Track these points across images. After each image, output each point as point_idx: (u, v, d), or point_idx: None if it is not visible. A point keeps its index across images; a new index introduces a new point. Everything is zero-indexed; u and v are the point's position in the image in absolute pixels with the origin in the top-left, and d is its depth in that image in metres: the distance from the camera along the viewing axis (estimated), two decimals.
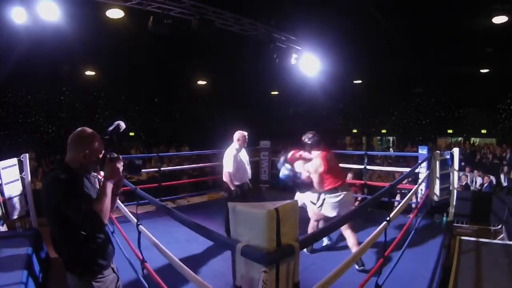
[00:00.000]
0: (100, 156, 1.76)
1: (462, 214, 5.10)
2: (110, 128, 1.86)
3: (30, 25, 4.69)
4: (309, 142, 3.55)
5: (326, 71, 8.61)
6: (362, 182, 5.80)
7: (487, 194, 6.44)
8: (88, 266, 1.72)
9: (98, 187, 1.85)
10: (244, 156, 4.31)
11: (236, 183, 4.16)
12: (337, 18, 7.77)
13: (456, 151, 4.93)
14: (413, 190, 3.95)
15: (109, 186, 1.70)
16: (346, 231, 3.36)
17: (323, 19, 7.58)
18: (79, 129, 1.76)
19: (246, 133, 4.27)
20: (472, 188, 8.23)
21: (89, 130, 1.76)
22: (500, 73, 12.59)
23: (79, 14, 5.62)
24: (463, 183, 7.99)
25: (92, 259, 1.72)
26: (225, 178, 4.16)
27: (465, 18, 7.94)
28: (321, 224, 3.63)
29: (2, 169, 4.14)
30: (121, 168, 1.76)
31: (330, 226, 1.89)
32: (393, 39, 9.32)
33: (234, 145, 4.22)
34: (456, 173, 4.92)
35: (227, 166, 4.13)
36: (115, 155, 1.77)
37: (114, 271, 1.86)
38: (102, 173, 1.81)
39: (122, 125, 1.91)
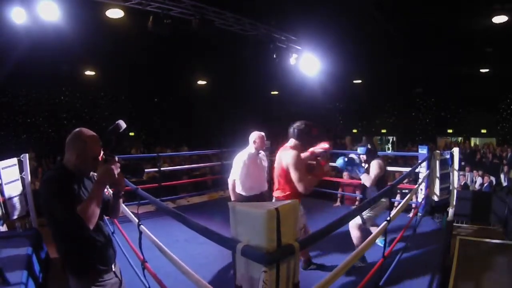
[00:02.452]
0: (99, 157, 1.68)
1: (462, 214, 5.10)
2: (109, 128, 1.76)
3: (30, 25, 4.69)
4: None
5: (326, 71, 8.61)
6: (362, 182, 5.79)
7: (487, 194, 6.44)
8: (86, 269, 1.67)
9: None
10: (262, 161, 3.71)
11: (254, 192, 3.58)
12: (337, 18, 7.77)
13: (456, 151, 4.92)
14: (413, 190, 3.96)
15: (99, 189, 1.60)
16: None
17: (323, 19, 7.58)
18: (76, 129, 1.69)
19: (263, 134, 3.68)
20: (471, 187, 8.23)
21: (86, 131, 1.68)
22: (500, 73, 12.58)
23: (79, 14, 5.62)
24: (462, 183, 7.99)
25: (90, 263, 1.67)
26: (229, 186, 3.64)
27: (465, 18, 7.95)
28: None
29: (2, 169, 4.14)
30: (116, 171, 1.66)
31: (332, 225, 1.89)
32: (393, 39, 9.31)
33: (249, 148, 3.61)
34: (456, 173, 4.92)
35: (234, 172, 3.58)
36: (112, 156, 1.69)
37: (116, 275, 1.79)
38: None
39: (122, 124, 1.78)
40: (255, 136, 3.61)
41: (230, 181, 3.64)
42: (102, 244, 1.71)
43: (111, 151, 1.73)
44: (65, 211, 1.51)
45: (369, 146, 3.67)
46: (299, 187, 2.67)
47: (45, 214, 1.64)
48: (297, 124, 2.91)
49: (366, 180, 3.53)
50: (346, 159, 3.49)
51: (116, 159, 1.69)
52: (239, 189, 3.61)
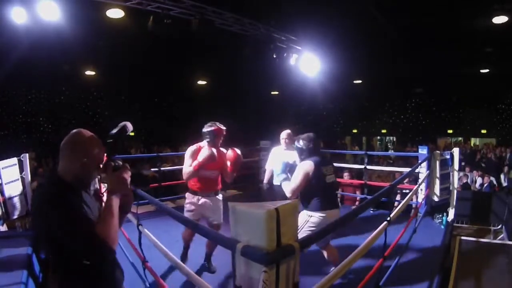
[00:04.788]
0: (101, 164, 1.44)
1: (462, 214, 5.09)
2: (115, 131, 1.52)
3: (30, 25, 4.69)
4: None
5: (326, 71, 8.61)
6: (362, 182, 5.80)
7: (487, 194, 6.43)
8: None
9: (99, 203, 1.51)
10: (285, 157, 3.89)
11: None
12: (337, 18, 7.76)
13: (456, 151, 4.92)
14: (413, 190, 3.96)
15: (116, 202, 1.37)
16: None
17: (323, 19, 7.58)
18: (73, 132, 1.41)
19: (289, 131, 4.16)
20: (472, 188, 8.22)
21: (86, 132, 1.42)
22: (500, 73, 12.60)
23: (79, 14, 5.62)
24: (463, 183, 7.98)
25: None
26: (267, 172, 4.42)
27: (465, 18, 7.95)
28: None
29: (2, 169, 4.14)
30: (128, 179, 1.44)
31: (332, 225, 1.89)
32: (393, 39, 9.32)
33: (282, 146, 4.19)
34: (456, 173, 4.91)
35: (269, 163, 4.35)
36: (120, 163, 1.46)
37: None
38: (103, 186, 1.56)
39: (130, 127, 1.58)
40: (284, 134, 4.12)
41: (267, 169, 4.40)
42: (111, 268, 1.46)
43: (115, 156, 1.50)
44: (83, 237, 1.22)
45: (301, 143, 2.98)
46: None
47: (45, 243, 1.33)
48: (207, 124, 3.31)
49: (285, 189, 2.91)
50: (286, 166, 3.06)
51: (128, 166, 1.47)
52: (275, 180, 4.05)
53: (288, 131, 4.14)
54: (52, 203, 1.25)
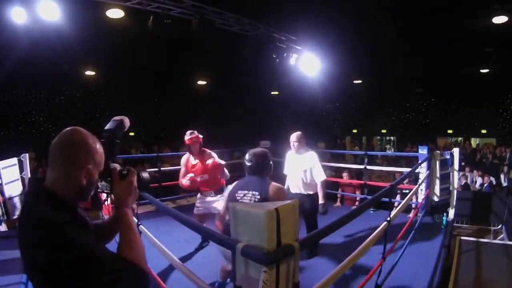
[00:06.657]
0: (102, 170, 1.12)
1: (462, 214, 5.09)
2: (111, 127, 1.23)
3: (30, 25, 4.69)
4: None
5: (326, 71, 8.61)
6: (362, 182, 5.80)
7: (487, 194, 6.43)
8: None
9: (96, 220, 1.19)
10: (296, 162, 3.77)
11: (293, 191, 3.78)
12: (337, 18, 7.77)
13: (456, 151, 4.93)
14: (413, 190, 3.96)
15: (131, 216, 1.11)
16: None
17: (323, 19, 7.58)
18: (69, 130, 1.08)
19: (298, 133, 3.79)
20: (472, 188, 8.23)
21: (83, 130, 1.09)
22: (500, 73, 12.60)
23: (79, 14, 5.62)
24: (463, 183, 7.99)
25: None
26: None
27: (465, 18, 7.95)
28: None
29: (2, 169, 4.15)
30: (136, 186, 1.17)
31: (332, 225, 1.89)
32: (393, 39, 9.32)
33: (292, 150, 3.86)
34: (456, 173, 4.92)
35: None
36: (118, 166, 1.18)
37: None
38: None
39: (127, 121, 1.30)
40: (293, 137, 3.80)
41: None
42: None
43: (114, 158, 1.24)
44: (112, 269, 0.92)
45: (245, 158, 2.44)
46: None
47: (30, 273, 0.97)
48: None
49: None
50: None
51: (134, 170, 1.18)
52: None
53: (298, 133, 3.77)
54: (59, 232, 0.89)
